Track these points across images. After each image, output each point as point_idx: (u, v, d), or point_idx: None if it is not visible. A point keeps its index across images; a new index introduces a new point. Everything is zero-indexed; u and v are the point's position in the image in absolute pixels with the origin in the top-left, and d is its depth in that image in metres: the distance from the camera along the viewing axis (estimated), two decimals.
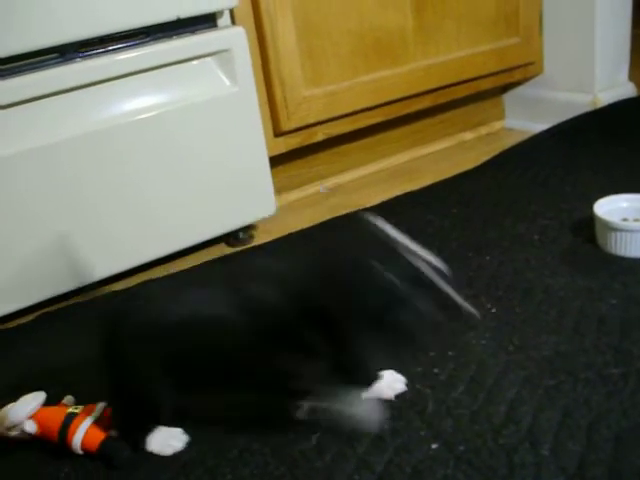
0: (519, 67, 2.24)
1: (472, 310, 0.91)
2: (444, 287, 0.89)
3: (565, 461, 0.90)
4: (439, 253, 1.29)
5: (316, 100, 1.83)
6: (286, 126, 1.80)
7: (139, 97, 1.52)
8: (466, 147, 2.25)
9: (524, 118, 2.34)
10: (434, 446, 0.96)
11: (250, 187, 1.70)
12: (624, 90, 2.29)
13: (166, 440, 1.04)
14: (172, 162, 1.56)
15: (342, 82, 1.86)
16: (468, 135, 2.32)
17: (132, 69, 1.49)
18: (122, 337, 0.97)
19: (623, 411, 0.97)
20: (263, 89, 1.76)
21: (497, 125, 2.40)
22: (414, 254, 0.90)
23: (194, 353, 0.96)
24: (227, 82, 1.60)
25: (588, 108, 2.20)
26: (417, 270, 0.88)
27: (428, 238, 1.62)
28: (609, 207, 1.50)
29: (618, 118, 2.16)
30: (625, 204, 1.52)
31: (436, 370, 1.13)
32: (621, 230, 1.42)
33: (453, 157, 2.16)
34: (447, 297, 0.90)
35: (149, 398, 1.00)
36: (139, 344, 0.96)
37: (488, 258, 1.48)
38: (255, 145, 1.68)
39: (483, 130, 2.36)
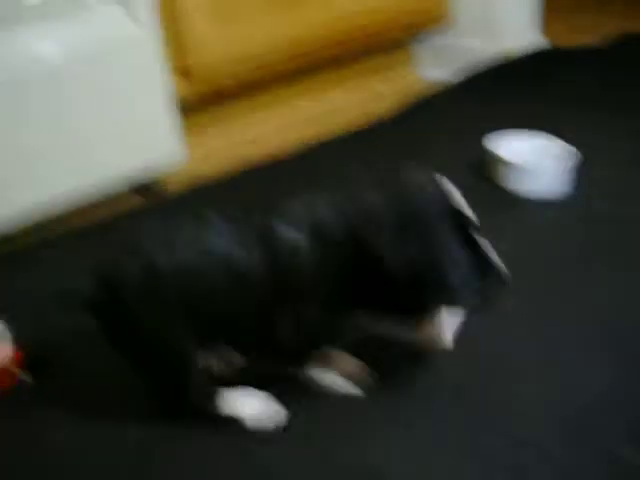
0: (428, 16, 2.25)
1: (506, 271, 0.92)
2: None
3: None
4: None
5: (224, 46, 1.80)
6: (194, 71, 1.77)
7: (41, 41, 1.46)
8: (378, 96, 2.24)
9: (436, 68, 2.35)
10: None
11: (158, 134, 1.66)
12: (533, 39, 2.34)
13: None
14: (77, 108, 1.51)
15: (250, 28, 1.84)
16: (380, 85, 2.31)
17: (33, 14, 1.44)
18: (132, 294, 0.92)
19: None
20: (169, 32, 1.70)
21: (409, 75, 2.40)
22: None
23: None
24: (129, 22, 1.55)
25: (497, 57, 2.23)
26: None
27: (342, 184, 1.63)
28: (509, 146, 1.55)
29: (526, 67, 2.20)
30: (522, 143, 1.57)
31: None
32: (512, 167, 1.48)
33: (365, 106, 2.15)
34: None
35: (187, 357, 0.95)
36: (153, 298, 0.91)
37: None
38: (160, 90, 1.63)
39: (395, 80, 2.35)
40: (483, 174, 1.57)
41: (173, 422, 0.99)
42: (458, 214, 0.88)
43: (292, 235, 0.90)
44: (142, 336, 0.93)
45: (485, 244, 0.89)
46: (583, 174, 1.54)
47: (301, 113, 2.16)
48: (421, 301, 0.90)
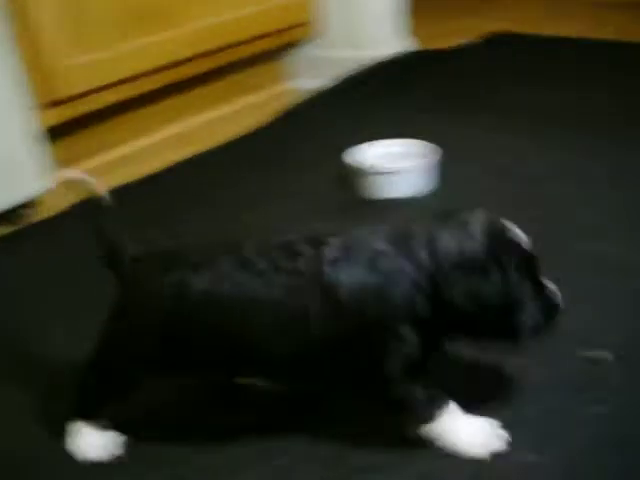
0: (296, 26, 2.28)
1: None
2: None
3: None
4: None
5: (83, 68, 1.77)
6: (56, 96, 1.73)
7: None
8: (251, 110, 2.24)
9: (309, 78, 2.37)
10: None
11: (24, 161, 1.62)
12: (402, 44, 2.40)
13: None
14: None
15: (109, 49, 1.82)
16: (252, 98, 2.32)
17: None
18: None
19: None
20: (29, 59, 1.67)
21: (282, 87, 2.42)
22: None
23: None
24: None
25: (366, 63, 2.29)
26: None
27: (216, 201, 1.65)
28: (365, 154, 1.59)
29: (395, 71, 2.27)
30: (379, 150, 1.61)
31: None
32: (370, 174, 1.51)
33: (238, 120, 2.16)
34: None
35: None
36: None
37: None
38: (24, 118, 1.61)
39: (268, 92, 2.36)
40: (343, 184, 1.60)
41: None
42: (530, 257, 0.87)
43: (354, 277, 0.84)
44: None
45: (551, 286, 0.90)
46: (445, 172, 1.59)
47: (174, 131, 2.15)
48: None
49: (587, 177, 1.56)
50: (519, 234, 0.87)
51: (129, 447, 0.95)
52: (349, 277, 0.83)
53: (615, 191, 1.49)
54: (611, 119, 1.83)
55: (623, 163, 1.60)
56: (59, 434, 0.97)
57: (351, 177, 1.58)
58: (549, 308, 0.88)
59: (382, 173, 1.51)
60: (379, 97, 2.12)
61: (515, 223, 0.87)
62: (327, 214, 1.48)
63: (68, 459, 0.95)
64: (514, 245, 0.85)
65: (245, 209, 1.58)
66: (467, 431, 0.87)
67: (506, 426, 0.89)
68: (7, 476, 0.96)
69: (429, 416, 0.86)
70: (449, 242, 0.83)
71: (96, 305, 0.96)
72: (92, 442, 0.95)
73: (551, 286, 0.89)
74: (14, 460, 0.97)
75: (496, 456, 0.86)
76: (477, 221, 0.85)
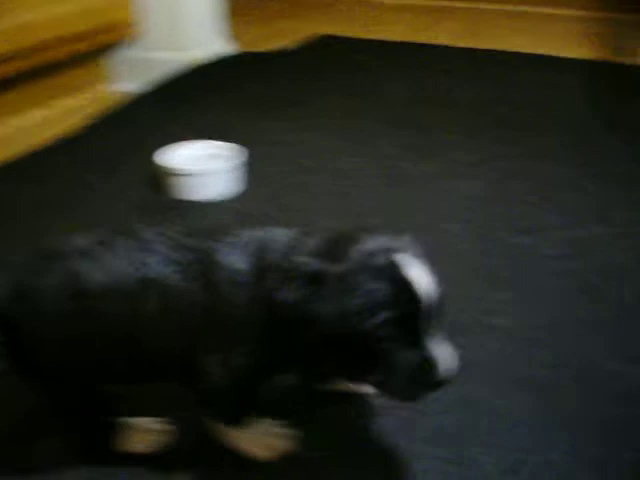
0: (114, 28, 2.25)
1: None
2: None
3: None
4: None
5: None
6: None
7: None
8: (69, 113, 2.17)
9: (129, 80, 2.33)
10: None
11: None
12: (222, 47, 2.42)
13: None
14: None
15: None
16: (70, 101, 2.25)
17: None
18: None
19: None
20: None
21: (102, 89, 2.37)
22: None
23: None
24: None
25: (186, 66, 2.28)
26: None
27: (32, 203, 1.60)
28: (174, 155, 1.58)
29: (215, 74, 2.28)
30: (188, 151, 1.62)
31: None
32: (178, 176, 1.51)
33: (54, 125, 2.08)
34: None
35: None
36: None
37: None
38: None
39: (87, 95, 2.30)
40: (156, 186, 1.59)
41: None
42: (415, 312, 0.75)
43: (234, 265, 0.80)
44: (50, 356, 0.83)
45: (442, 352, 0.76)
46: (254, 173, 1.62)
47: None
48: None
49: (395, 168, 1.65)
50: (424, 285, 0.74)
51: None
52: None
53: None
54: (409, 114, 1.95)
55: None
56: None
57: (162, 178, 1.57)
58: (424, 376, 0.75)
59: (189, 174, 1.51)
60: (196, 99, 2.12)
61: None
62: (141, 214, 1.49)
63: None
64: (404, 292, 0.74)
65: (64, 210, 1.54)
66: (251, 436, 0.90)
67: None
68: None
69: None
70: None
71: None
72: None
73: (441, 353, 0.75)
74: None
75: None
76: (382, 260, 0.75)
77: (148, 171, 1.65)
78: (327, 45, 2.64)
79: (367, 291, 0.73)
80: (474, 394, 0.97)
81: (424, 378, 0.75)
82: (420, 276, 0.74)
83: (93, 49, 2.27)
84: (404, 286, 0.73)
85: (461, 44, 2.54)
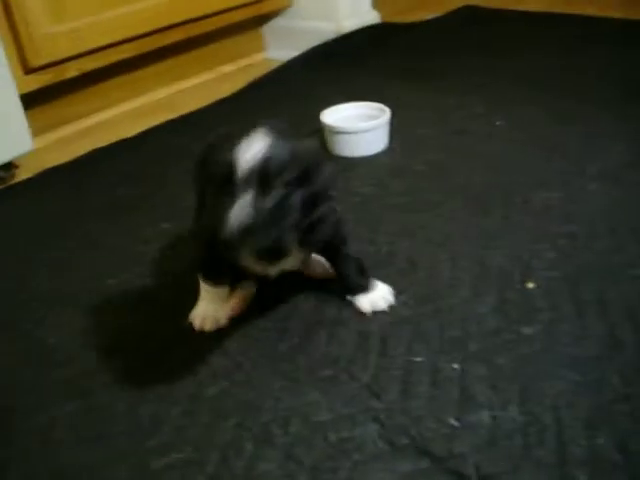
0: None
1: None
2: None
3: None
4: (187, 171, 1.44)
5: (62, 36, 1.85)
6: (35, 63, 1.81)
7: None
8: (227, 79, 2.34)
9: (282, 48, 2.47)
10: None
11: (4, 125, 1.70)
12: (368, 17, 2.49)
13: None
14: None
15: (87, 17, 1.90)
16: (229, 67, 2.43)
17: None
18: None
19: None
20: (6, 27, 1.76)
21: (257, 57, 2.52)
22: None
23: None
24: None
25: (334, 35, 2.38)
26: None
27: (181, 160, 1.72)
28: (335, 115, 1.68)
29: (360, 43, 2.36)
30: (349, 112, 1.70)
31: None
32: (343, 133, 1.60)
33: (214, 88, 2.25)
34: None
35: None
36: None
37: None
38: (3, 82, 1.68)
39: (243, 62, 2.47)
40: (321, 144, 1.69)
41: None
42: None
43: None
44: None
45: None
46: (399, 133, 1.69)
47: (150, 98, 2.23)
48: None
49: (537, 130, 1.67)
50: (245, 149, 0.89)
51: None
52: None
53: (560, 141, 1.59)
54: (562, 83, 1.93)
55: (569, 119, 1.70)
56: None
57: (325, 136, 1.66)
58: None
59: (347, 132, 1.60)
60: (344, 66, 2.22)
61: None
62: None
63: None
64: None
65: None
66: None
67: None
68: None
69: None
70: None
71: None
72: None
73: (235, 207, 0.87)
74: None
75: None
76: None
77: (304, 130, 1.76)
78: (471, 15, 2.66)
79: None
80: None
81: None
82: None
83: (248, 19, 2.40)
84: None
85: (612, 15, 2.49)
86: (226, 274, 1.09)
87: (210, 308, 1.11)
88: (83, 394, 1.01)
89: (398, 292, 1.13)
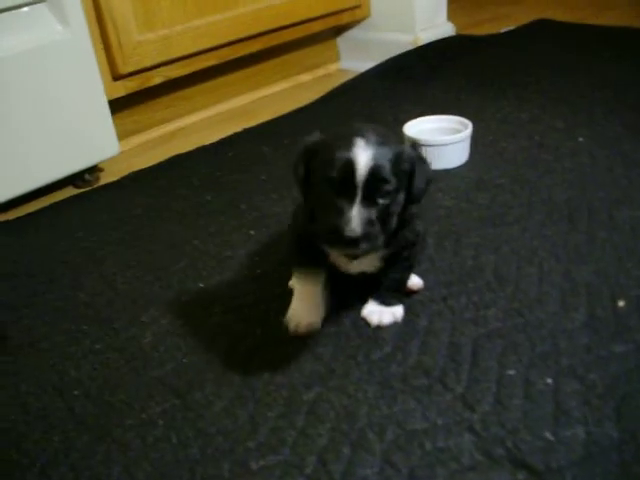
0: (346, 10, 2.40)
1: None
2: None
3: None
4: (268, 178, 1.47)
5: (150, 44, 1.91)
6: (123, 70, 1.88)
7: None
8: (303, 88, 2.39)
9: (357, 59, 2.51)
10: None
11: (92, 129, 1.77)
12: (443, 30, 2.51)
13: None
14: (11, 109, 1.61)
15: (175, 26, 1.96)
16: (305, 77, 2.47)
17: None
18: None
19: None
20: (98, 34, 1.82)
21: (332, 67, 2.56)
22: None
23: None
24: (59, 27, 1.65)
25: (410, 47, 2.40)
26: None
27: (260, 167, 1.77)
28: (417, 128, 1.70)
29: (436, 54, 2.38)
30: (431, 125, 1.72)
31: None
32: (426, 146, 1.61)
33: (290, 97, 2.30)
34: None
35: None
36: None
37: None
38: (93, 88, 1.75)
39: (319, 72, 2.51)
40: None
41: None
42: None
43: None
44: None
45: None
46: (479, 145, 1.71)
47: (230, 105, 2.28)
48: None
49: (618, 146, 1.65)
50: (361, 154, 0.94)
51: None
52: None
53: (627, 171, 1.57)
54: None
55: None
56: None
57: None
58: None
59: (431, 145, 1.61)
60: (419, 77, 2.25)
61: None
62: None
63: None
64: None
65: None
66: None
67: None
68: None
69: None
70: None
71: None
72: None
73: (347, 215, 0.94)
74: None
75: None
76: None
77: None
78: (544, 29, 2.65)
79: None
80: None
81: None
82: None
83: (326, 30, 2.44)
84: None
85: None
86: (321, 259, 1.11)
87: (305, 310, 1.13)
88: (179, 394, 1.04)
89: (486, 306, 1.14)
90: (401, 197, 1.00)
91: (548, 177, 1.54)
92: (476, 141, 1.70)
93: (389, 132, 1.03)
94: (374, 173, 0.94)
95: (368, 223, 0.94)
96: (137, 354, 1.14)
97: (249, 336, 1.14)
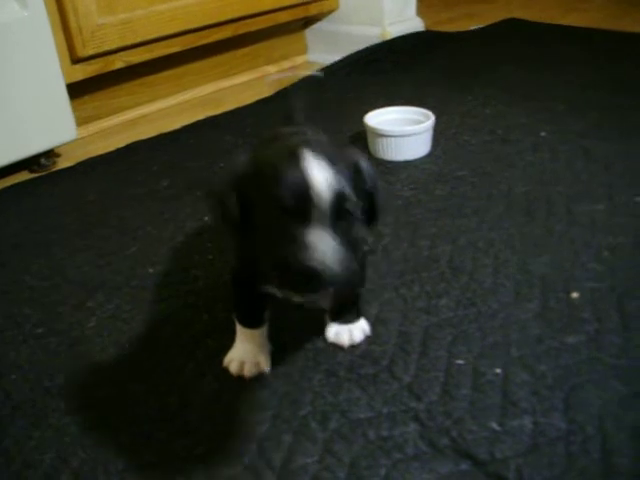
0: (314, 1, 2.38)
1: None
2: None
3: None
4: (227, 166, 1.43)
5: (111, 27, 1.87)
6: (82, 53, 1.83)
7: None
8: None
9: (324, 52, 2.48)
10: None
11: (49, 112, 1.72)
12: (412, 24, 2.49)
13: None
14: None
15: (137, 10, 1.91)
16: (271, 68, 2.44)
17: None
18: None
19: None
20: (57, 15, 1.78)
21: (300, 59, 2.53)
22: None
23: None
24: (16, 6, 1.61)
25: (378, 40, 2.38)
26: None
27: (221, 155, 1.74)
28: (379, 118, 1.67)
29: (404, 49, 2.36)
30: (393, 115, 1.70)
31: None
32: (387, 136, 1.59)
33: (256, 88, 2.26)
34: None
35: None
36: None
37: None
38: (51, 71, 1.70)
39: (286, 64, 2.48)
40: (362, 146, 1.68)
41: None
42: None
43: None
44: None
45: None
46: (442, 138, 1.70)
47: (194, 94, 2.25)
48: None
49: (580, 143, 1.64)
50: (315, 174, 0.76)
51: None
52: None
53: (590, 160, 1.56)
54: (603, 99, 1.90)
55: (613, 134, 1.68)
56: None
57: (367, 139, 1.66)
58: None
59: (394, 136, 1.59)
60: (387, 71, 2.24)
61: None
62: None
63: None
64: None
65: None
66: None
67: None
68: None
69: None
70: None
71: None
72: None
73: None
74: None
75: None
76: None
77: (345, 132, 1.76)
78: (514, 28, 2.65)
79: None
80: None
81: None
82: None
83: (293, 20, 2.41)
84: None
85: None
86: (261, 313, 1.00)
87: (249, 350, 1.01)
88: (118, 381, 1.01)
89: (438, 295, 1.13)
90: (360, 216, 0.82)
91: (509, 171, 1.53)
92: (439, 134, 1.68)
93: (327, 136, 0.94)
94: (335, 192, 0.76)
95: (337, 253, 0.75)
96: (80, 339, 1.11)
97: (196, 322, 1.11)
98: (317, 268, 0.73)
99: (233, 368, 1.00)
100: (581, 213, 1.34)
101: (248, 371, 0.99)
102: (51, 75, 1.71)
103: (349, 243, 0.78)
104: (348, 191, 0.78)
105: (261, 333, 1.02)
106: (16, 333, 1.13)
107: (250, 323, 1.00)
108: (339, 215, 0.77)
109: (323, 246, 0.75)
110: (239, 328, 1.02)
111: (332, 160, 0.78)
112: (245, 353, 1.01)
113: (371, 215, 0.86)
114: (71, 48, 1.81)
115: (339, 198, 0.77)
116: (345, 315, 1.05)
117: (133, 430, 0.92)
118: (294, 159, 0.77)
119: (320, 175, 0.76)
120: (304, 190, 0.75)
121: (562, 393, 0.91)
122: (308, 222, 0.76)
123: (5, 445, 0.92)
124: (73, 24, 1.79)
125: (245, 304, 1.00)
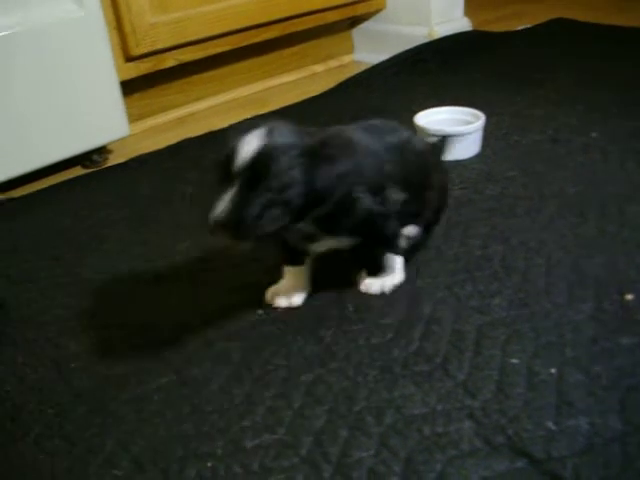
0: (362, 1, 2.39)
1: None
2: None
3: None
4: None
5: (163, 27, 1.90)
6: (136, 51, 1.87)
7: None
8: (316, 78, 2.38)
9: (371, 51, 2.49)
10: None
11: (102, 110, 1.76)
12: (459, 24, 2.48)
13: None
14: (22, 84, 1.60)
15: (189, 9, 1.94)
16: (318, 67, 2.45)
17: None
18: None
19: None
20: (111, 14, 1.81)
21: (346, 58, 2.54)
22: None
23: None
24: (73, 5, 1.65)
25: (426, 40, 2.38)
26: None
27: None
28: (429, 119, 1.68)
29: (452, 49, 2.36)
30: (443, 116, 1.70)
31: None
32: (437, 136, 1.59)
33: (302, 87, 2.28)
34: None
35: None
36: None
37: None
38: (105, 69, 1.74)
39: (333, 63, 2.50)
40: None
41: None
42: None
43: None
44: None
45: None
46: (492, 138, 1.70)
47: (242, 92, 2.27)
48: None
49: (632, 144, 1.63)
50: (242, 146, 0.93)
51: None
52: None
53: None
54: None
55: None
56: None
57: None
58: None
59: (444, 136, 1.59)
60: (434, 71, 2.24)
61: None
62: None
63: None
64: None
65: None
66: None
67: None
68: None
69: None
70: None
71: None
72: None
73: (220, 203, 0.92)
74: None
75: None
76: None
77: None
78: (561, 28, 2.62)
79: None
80: None
81: None
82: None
83: (341, 20, 2.42)
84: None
85: None
86: (295, 255, 1.15)
87: (286, 286, 1.16)
88: (176, 370, 1.03)
89: (491, 295, 1.13)
90: (298, 193, 0.94)
91: (560, 171, 1.52)
92: (488, 134, 1.68)
93: (299, 130, 1.03)
94: (258, 161, 0.91)
95: (239, 211, 0.90)
96: (137, 329, 1.13)
97: (251, 315, 1.13)
98: (210, 218, 0.91)
99: (268, 297, 1.16)
100: (633, 214, 1.33)
101: (278, 302, 1.15)
102: (105, 73, 1.75)
103: (260, 202, 0.91)
104: (273, 164, 0.92)
105: (298, 272, 1.16)
106: (75, 324, 1.16)
107: (285, 260, 1.17)
108: (256, 178, 0.91)
109: (223, 201, 0.91)
110: (284, 268, 1.18)
111: (278, 137, 0.95)
112: (281, 287, 1.16)
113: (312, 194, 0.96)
114: (125, 46, 1.85)
115: (255, 165, 0.91)
116: (376, 270, 1.17)
117: (193, 419, 0.94)
118: (241, 139, 0.94)
119: (245, 148, 0.93)
120: (230, 158, 0.93)
121: (618, 394, 0.91)
122: (229, 183, 0.92)
123: (67, 431, 0.94)
124: (127, 23, 1.83)
125: (281, 246, 1.14)
